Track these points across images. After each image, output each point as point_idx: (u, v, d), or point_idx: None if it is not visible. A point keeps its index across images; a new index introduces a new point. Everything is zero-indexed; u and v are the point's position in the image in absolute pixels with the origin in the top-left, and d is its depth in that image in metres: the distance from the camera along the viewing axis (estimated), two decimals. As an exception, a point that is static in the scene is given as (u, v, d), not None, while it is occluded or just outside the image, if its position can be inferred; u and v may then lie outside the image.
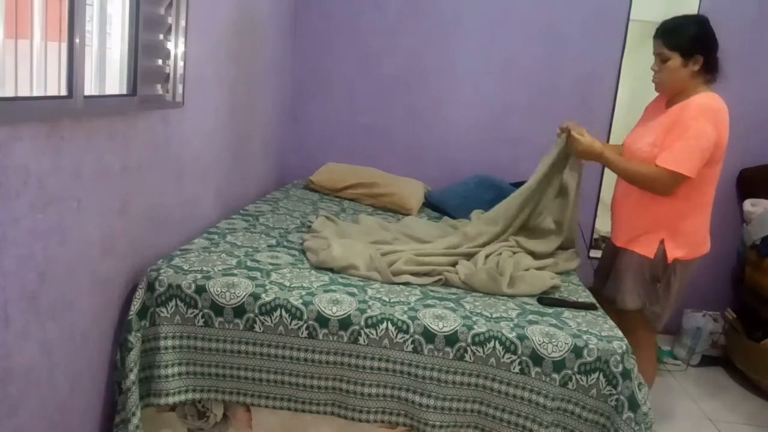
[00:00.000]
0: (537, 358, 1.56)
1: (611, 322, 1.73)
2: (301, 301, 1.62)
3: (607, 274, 2.19)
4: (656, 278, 2.04)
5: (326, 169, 3.12)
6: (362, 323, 1.59)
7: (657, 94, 2.13)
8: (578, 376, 1.56)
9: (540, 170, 2.21)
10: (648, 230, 2.03)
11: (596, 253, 3.28)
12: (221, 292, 1.63)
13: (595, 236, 3.32)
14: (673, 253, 2.01)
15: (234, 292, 1.63)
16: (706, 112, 1.90)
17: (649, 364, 2.07)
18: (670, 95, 2.04)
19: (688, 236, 2.03)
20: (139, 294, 1.64)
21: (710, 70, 1.96)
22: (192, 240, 1.96)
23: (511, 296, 1.85)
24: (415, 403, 1.59)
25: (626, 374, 1.55)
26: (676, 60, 1.94)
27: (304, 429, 1.69)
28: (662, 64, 1.98)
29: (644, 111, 2.22)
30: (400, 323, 1.59)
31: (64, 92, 1.31)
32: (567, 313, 1.75)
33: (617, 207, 2.18)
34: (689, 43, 1.93)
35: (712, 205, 2.08)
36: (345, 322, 1.59)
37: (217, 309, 1.62)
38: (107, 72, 1.63)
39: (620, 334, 1.64)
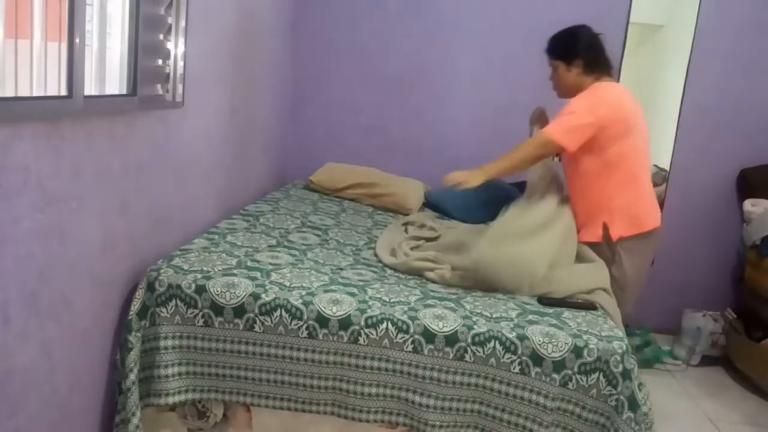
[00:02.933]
0: (537, 358, 1.56)
1: (611, 322, 1.73)
2: (301, 301, 1.62)
3: None
4: (609, 264, 2.16)
5: (326, 169, 3.12)
6: (362, 323, 1.59)
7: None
8: (578, 376, 1.56)
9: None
10: (590, 216, 2.19)
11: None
12: (221, 292, 1.62)
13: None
14: (617, 232, 2.14)
15: (234, 292, 1.62)
16: (586, 94, 2.14)
17: None
18: (570, 97, 2.22)
19: (624, 213, 2.15)
20: (139, 294, 1.64)
21: (594, 69, 2.19)
22: (192, 240, 1.96)
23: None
24: (415, 403, 1.59)
25: (626, 374, 1.55)
26: (561, 66, 2.23)
27: (304, 429, 1.69)
28: (554, 72, 2.26)
29: None
30: (400, 323, 1.59)
31: (64, 92, 1.31)
32: (567, 313, 1.75)
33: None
34: (566, 51, 2.21)
35: (645, 178, 2.22)
36: (345, 322, 1.59)
37: (217, 309, 1.62)
38: (107, 72, 1.63)
39: (620, 334, 1.64)
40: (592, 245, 2.16)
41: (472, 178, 2.15)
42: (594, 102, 2.11)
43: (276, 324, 1.61)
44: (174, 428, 1.72)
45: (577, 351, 1.56)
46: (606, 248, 2.16)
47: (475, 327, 1.59)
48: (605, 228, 2.14)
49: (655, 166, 3.19)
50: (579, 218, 2.22)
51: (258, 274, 1.72)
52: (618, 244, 2.14)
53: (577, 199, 2.25)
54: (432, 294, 1.78)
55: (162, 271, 1.66)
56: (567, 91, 2.25)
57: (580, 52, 2.20)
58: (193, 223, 2.13)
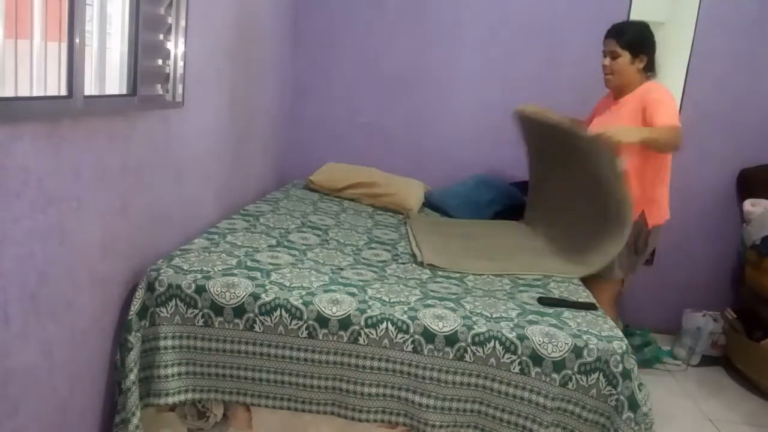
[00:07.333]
0: (537, 358, 1.56)
1: (611, 322, 1.73)
2: (301, 301, 1.62)
3: None
4: (637, 250, 2.34)
5: (326, 169, 3.12)
6: (362, 323, 1.59)
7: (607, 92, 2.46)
8: (578, 376, 1.56)
9: None
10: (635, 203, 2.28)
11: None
12: (221, 292, 1.63)
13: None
14: (653, 220, 2.32)
15: (234, 292, 1.63)
16: (666, 91, 2.24)
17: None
18: (616, 90, 2.34)
19: (659, 204, 2.34)
20: (139, 294, 1.64)
21: (650, 69, 2.29)
22: (192, 240, 1.96)
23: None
24: (415, 403, 1.59)
25: (626, 374, 1.55)
26: (626, 56, 2.25)
27: (304, 429, 1.69)
28: (612, 60, 2.28)
29: (595, 110, 2.55)
30: (400, 323, 1.59)
31: (64, 92, 1.31)
32: (567, 313, 1.75)
33: None
34: (638, 43, 2.25)
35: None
36: (345, 322, 1.59)
37: (217, 309, 1.62)
38: (107, 72, 1.63)
39: (620, 334, 1.64)
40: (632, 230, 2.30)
41: (626, 136, 2.09)
42: (671, 95, 2.22)
43: (276, 324, 1.61)
44: (174, 428, 1.72)
45: (577, 351, 1.56)
46: (641, 234, 2.29)
47: (475, 327, 1.59)
48: (643, 215, 2.28)
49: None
50: None
51: (258, 274, 1.72)
52: (649, 231, 2.30)
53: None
54: (432, 294, 1.78)
55: (162, 271, 1.66)
56: (620, 84, 2.30)
57: (648, 49, 2.25)
58: (193, 223, 2.13)
